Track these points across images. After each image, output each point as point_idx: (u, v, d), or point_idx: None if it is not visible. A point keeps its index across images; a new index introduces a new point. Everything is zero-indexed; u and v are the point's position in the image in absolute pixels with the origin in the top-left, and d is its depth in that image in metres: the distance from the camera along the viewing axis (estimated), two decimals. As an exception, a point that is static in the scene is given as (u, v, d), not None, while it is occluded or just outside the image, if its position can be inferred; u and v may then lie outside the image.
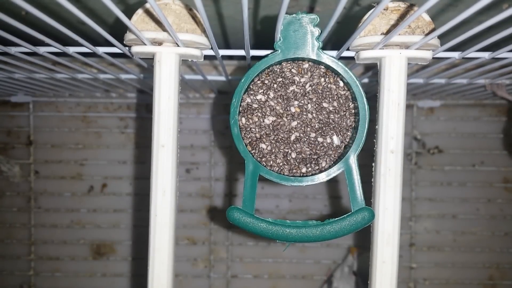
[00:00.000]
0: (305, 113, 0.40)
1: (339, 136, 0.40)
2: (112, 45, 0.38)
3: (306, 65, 0.40)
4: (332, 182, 0.79)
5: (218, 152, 0.80)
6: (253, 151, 0.40)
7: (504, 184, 0.79)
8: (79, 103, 0.80)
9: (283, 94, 0.40)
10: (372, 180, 0.39)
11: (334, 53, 0.41)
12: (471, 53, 0.38)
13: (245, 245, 0.81)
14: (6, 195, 0.80)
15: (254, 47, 0.43)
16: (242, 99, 0.39)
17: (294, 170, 0.40)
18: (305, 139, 0.40)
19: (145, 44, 0.37)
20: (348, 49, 0.39)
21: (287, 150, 0.40)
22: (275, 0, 0.42)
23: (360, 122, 0.38)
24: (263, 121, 0.40)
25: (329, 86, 0.40)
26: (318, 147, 0.40)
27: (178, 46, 0.38)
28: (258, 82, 0.40)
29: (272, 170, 0.39)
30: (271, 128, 0.40)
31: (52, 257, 0.81)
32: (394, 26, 0.36)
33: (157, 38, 0.37)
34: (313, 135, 0.40)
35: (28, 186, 0.80)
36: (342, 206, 0.79)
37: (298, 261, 0.81)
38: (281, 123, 0.40)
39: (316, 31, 0.37)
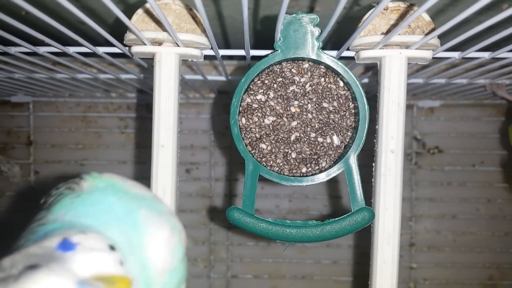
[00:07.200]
0: (305, 113, 0.40)
1: (339, 136, 0.40)
2: (112, 45, 0.38)
3: (306, 65, 0.40)
4: (332, 182, 0.79)
5: (218, 152, 0.80)
6: (253, 151, 0.40)
7: (504, 184, 0.79)
8: (79, 103, 0.80)
9: (283, 94, 0.40)
10: (372, 180, 0.39)
11: (334, 53, 0.41)
12: (471, 53, 0.38)
13: (245, 245, 0.81)
14: (6, 195, 0.80)
15: (254, 47, 0.43)
16: (242, 99, 0.39)
17: (294, 170, 0.40)
18: (305, 139, 0.40)
19: (145, 44, 0.37)
20: (348, 49, 0.39)
21: (287, 150, 0.40)
22: (275, 0, 0.42)
23: (360, 122, 0.38)
24: (263, 121, 0.40)
25: (329, 86, 0.40)
26: (318, 147, 0.40)
27: (178, 46, 0.38)
28: (258, 82, 0.40)
29: (272, 170, 0.39)
30: (271, 128, 0.40)
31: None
32: (394, 26, 0.36)
33: (157, 38, 0.37)
34: (313, 135, 0.40)
35: (28, 186, 0.80)
36: (342, 206, 0.79)
37: (298, 261, 0.81)
38: (281, 123, 0.40)
39: (316, 31, 0.37)
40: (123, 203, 0.28)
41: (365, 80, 0.58)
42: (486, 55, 0.40)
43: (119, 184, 0.29)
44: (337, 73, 0.39)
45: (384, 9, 0.37)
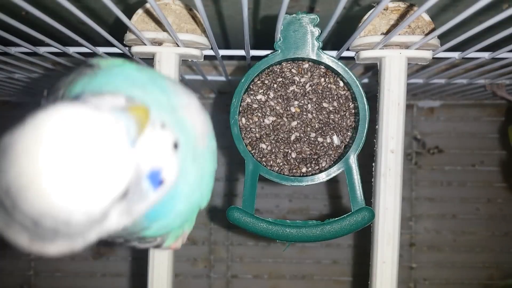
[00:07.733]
0: (305, 113, 0.40)
1: (339, 136, 0.40)
2: (112, 45, 0.38)
3: (306, 65, 0.40)
4: (332, 182, 0.79)
5: (218, 152, 0.80)
6: (253, 151, 0.40)
7: (504, 184, 0.79)
8: (79, 103, 0.80)
9: (283, 94, 0.40)
10: (372, 180, 0.39)
11: (334, 53, 0.41)
12: (471, 53, 0.38)
13: (245, 245, 0.80)
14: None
15: (254, 47, 0.43)
16: (242, 99, 0.39)
17: (294, 170, 0.40)
18: (305, 139, 0.40)
19: (145, 44, 0.37)
20: (348, 49, 0.39)
21: (287, 150, 0.40)
22: (275, 0, 0.42)
23: (360, 122, 0.38)
24: (263, 121, 0.40)
25: (329, 86, 0.40)
26: (318, 147, 0.40)
27: (178, 46, 0.38)
28: (258, 82, 0.40)
29: (272, 170, 0.39)
30: (271, 128, 0.40)
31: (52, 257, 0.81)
32: (394, 26, 0.36)
33: (157, 38, 0.37)
34: (313, 135, 0.40)
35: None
36: (342, 206, 0.79)
37: (298, 261, 0.81)
38: (281, 123, 0.40)
39: (316, 31, 0.37)
40: (145, 74, 0.25)
41: (365, 80, 0.58)
42: (486, 55, 0.40)
43: (135, 64, 0.27)
44: (337, 73, 0.39)
45: (384, 9, 0.37)
